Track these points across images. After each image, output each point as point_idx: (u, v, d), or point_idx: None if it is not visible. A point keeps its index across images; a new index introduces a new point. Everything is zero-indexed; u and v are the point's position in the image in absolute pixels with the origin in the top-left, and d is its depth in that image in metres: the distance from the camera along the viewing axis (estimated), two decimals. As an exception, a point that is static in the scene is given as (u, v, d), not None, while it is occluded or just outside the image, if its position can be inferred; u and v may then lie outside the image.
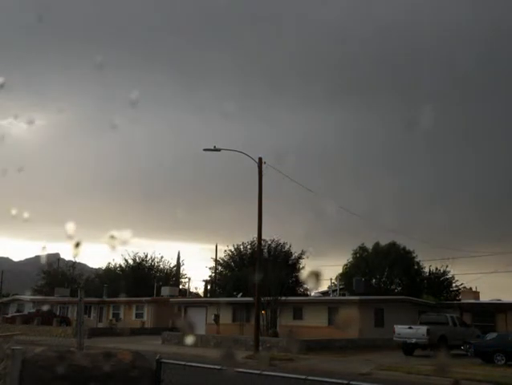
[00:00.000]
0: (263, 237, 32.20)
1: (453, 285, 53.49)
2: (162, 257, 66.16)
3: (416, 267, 54.52)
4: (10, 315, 53.60)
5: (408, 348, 30.25)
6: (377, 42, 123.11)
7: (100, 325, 50.69)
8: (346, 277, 53.73)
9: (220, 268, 55.89)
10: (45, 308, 53.84)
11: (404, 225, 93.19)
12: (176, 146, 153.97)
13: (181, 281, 64.86)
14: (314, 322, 37.34)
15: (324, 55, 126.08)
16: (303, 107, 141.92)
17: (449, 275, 53.53)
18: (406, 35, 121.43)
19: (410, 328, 30.44)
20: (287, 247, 52.23)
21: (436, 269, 54.11)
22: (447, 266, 52.99)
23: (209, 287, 58.32)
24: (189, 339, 22.23)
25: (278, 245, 51.86)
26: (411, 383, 19.30)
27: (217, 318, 40.74)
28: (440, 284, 53.10)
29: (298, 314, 38.86)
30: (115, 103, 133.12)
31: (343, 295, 45.99)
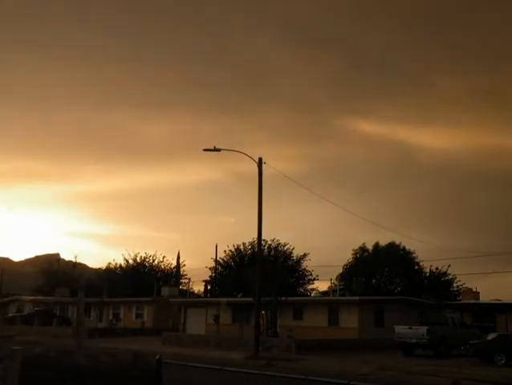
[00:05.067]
0: (263, 237, 32.18)
1: (454, 285, 53.46)
2: (164, 257, 66.16)
3: (416, 267, 54.51)
4: (10, 315, 53.59)
5: (408, 348, 30.24)
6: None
7: (100, 325, 50.66)
8: (346, 277, 53.70)
9: (220, 268, 55.88)
10: (44, 308, 53.90)
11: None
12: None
13: (182, 282, 64.80)
14: (314, 322, 37.34)
15: None
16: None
17: (450, 276, 53.49)
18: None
19: (410, 328, 30.43)
20: (287, 247, 52.21)
21: (437, 269, 54.09)
22: (448, 266, 53.00)
23: (209, 287, 58.27)
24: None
25: (278, 244, 51.85)
26: (411, 383, 19.30)
27: (217, 318, 40.73)
28: (440, 284, 53.06)
29: (298, 314, 38.84)
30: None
31: (343, 295, 45.96)
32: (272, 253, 50.85)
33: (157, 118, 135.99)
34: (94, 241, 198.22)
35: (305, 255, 51.80)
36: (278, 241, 51.79)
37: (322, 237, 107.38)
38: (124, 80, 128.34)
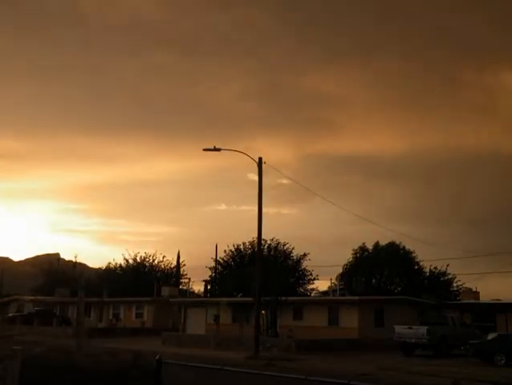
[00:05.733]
0: (263, 236, 32.18)
1: (454, 285, 53.45)
2: (164, 257, 66.09)
3: (416, 267, 54.50)
4: (10, 315, 53.57)
5: (408, 348, 30.24)
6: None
7: (100, 325, 50.68)
8: (346, 276, 53.71)
9: (220, 268, 55.87)
10: (44, 308, 53.92)
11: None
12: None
13: (182, 282, 64.86)
14: (314, 322, 37.33)
15: None
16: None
17: (450, 276, 53.49)
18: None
19: (410, 328, 30.43)
20: (287, 246, 52.11)
21: (435, 268, 54.07)
22: (447, 266, 53.03)
23: (209, 287, 58.30)
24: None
25: (278, 244, 51.77)
26: (411, 383, 19.30)
27: (217, 318, 40.73)
28: (440, 284, 53.05)
29: (298, 314, 38.83)
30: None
31: (343, 295, 45.96)
32: (272, 253, 50.81)
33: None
34: (90, 238, 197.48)
35: (305, 255, 51.74)
36: (277, 240, 51.75)
37: (322, 236, 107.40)
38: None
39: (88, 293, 40.79)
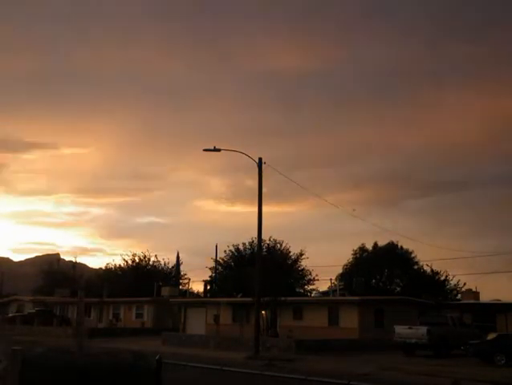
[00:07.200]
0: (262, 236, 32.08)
1: (453, 284, 53.45)
2: (156, 256, 65.66)
3: (416, 267, 54.52)
4: (10, 315, 53.59)
5: (408, 348, 30.21)
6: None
7: (100, 325, 50.68)
8: (346, 277, 53.71)
9: (220, 268, 55.85)
10: (44, 308, 53.92)
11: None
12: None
13: (181, 282, 64.80)
14: (314, 322, 37.32)
15: None
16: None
17: (448, 275, 53.52)
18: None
19: (410, 328, 30.42)
20: (284, 246, 51.95)
21: (432, 270, 54.01)
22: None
23: (208, 287, 58.29)
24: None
25: (275, 243, 51.59)
26: (411, 383, 19.30)
27: (217, 318, 40.75)
28: (439, 284, 53.06)
29: (298, 314, 38.83)
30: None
31: (343, 295, 45.94)
32: (271, 253, 50.69)
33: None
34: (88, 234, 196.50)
35: (302, 254, 51.39)
36: (274, 239, 51.54)
37: (322, 236, 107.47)
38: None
39: (88, 294, 40.81)
